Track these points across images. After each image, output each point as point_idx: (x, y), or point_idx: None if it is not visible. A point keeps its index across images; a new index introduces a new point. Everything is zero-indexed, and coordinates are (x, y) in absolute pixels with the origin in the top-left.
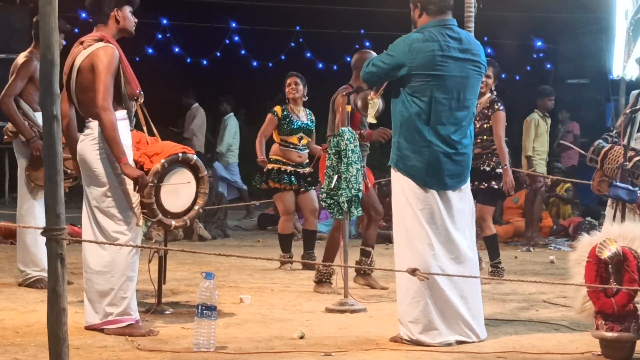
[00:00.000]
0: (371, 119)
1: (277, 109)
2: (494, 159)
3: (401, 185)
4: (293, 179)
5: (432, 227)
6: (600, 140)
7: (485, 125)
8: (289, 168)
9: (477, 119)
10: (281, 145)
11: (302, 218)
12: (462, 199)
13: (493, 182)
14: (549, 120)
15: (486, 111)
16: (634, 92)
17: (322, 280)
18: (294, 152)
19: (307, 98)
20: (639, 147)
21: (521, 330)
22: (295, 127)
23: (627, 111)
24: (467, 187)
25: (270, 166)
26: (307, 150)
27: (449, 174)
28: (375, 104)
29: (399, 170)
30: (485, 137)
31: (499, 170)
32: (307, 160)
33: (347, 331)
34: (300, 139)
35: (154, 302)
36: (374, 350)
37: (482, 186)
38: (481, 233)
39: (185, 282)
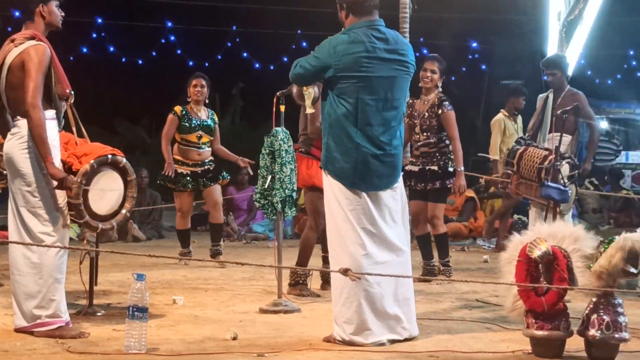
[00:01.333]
0: (309, 109)
1: (177, 108)
2: (443, 157)
3: (331, 186)
4: (189, 179)
5: (363, 227)
6: (514, 144)
7: (432, 123)
8: (187, 169)
9: (425, 116)
10: (181, 145)
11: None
12: (394, 197)
13: (447, 181)
14: (519, 119)
15: (435, 109)
16: (542, 95)
17: (299, 282)
18: (193, 151)
19: (207, 101)
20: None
21: (453, 329)
22: (194, 125)
23: (558, 112)
24: (398, 186)
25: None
26: (209, 149)
27: (377, 175)
28: (310, 93)
29: (327, 172)
30: (430, 135)
31: (451, 169)
32: (211, 158)
33: (281, 332)
34: (200, 137)
35: (85, 304)
36: (307, 350)
37: (435, 186)
38: (433, 231)
39: (118, 284)
